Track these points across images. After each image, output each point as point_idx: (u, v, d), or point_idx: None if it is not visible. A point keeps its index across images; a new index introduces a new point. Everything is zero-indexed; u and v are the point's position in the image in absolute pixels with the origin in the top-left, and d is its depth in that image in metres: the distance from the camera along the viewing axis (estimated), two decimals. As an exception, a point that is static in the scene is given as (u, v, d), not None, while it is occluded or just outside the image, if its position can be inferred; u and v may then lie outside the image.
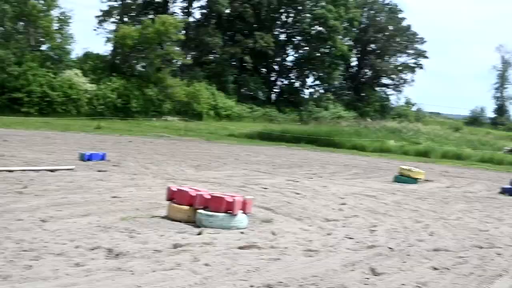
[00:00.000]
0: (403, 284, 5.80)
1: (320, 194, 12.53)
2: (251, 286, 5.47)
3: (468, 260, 6.97)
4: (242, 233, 7.76)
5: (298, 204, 10.81)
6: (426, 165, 24.04)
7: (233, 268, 5.96)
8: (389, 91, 63.66)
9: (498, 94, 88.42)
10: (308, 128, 39.79)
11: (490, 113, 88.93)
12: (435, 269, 6.46)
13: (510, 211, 11.72)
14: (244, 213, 8.25)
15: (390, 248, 7.37)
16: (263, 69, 56.91)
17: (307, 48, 55.96)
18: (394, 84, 63.07)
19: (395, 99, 65.45)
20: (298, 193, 12.37)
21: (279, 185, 13.60)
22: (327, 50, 54.51)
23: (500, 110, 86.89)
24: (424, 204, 12.08)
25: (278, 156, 23.71)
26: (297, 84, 58.89)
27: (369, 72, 62.62)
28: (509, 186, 15.22)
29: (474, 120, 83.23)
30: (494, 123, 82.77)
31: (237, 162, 19.04)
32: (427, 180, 17.08)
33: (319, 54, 54.99)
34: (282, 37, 56.64)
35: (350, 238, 7.91)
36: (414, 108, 66.61)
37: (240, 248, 6.87)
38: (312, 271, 6.11)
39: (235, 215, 8.02)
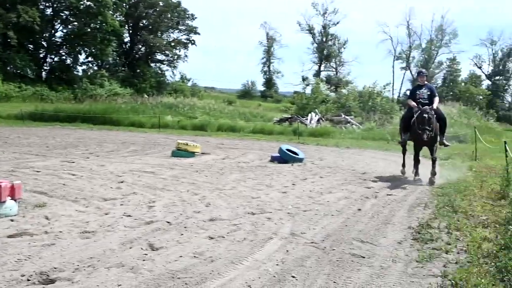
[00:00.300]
0: (180, 256, 5.90)
1: (97, 174, 12.15)
2: (22, 275, 5.12)
3: (241, 227, 7.35)
4: (12, 220, 7.26)
5: (74, 186, 10.36)
6: (203, 139, 24.89)
7: (1, 259, 5.51)
8: (164, 67, 64.03)
9: (266, 69, 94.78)
10: (84, 106, 38.32)
11: (260, 87, 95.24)
12: (211, 238, 6.69)
13: (279, 178, 12.68)
14: (13, 199, 7.65)
15: (168, 222, 7.44)
16: (30, 46, 52.88)
17: (76, 23, 53.38)
18: (168, 60, 63.59)
19: (171, 75, 66.07)
20: (74, 174, 11.88)
21: (54, 167, 12.90)
22: (98, 26, 52.63)
23: (268, 83, 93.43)
24: (201, 176, 12.45)
25: (51, 136, 22.42)
26: (68, 61, 55.99)
27: (142, 48, 62.13)
28: (277, 155, 16.45)
29: (246, 93, 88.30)
30: (264, 95, 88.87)
31: (6, 146, 17.52)
32: (203, 153, 17.67)
33: (90, 30, 52.86)
34: (49, 11, 53.15)
35: (128, 216, 7.81)
36: (189, 84, 68.10)
37: (10, 236, 6.41)
38: (88, 253, 5.90)
39: (3, 202, 7.41)
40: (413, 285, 5.29)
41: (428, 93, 12.70)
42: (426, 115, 11.77)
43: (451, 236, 7.14)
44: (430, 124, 11.80)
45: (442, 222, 7.93)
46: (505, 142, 11.25)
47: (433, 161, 12.40)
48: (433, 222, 7.93)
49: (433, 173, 12.22)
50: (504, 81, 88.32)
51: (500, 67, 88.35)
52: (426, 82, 13.06)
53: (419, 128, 11.90)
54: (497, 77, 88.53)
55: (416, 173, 12.83)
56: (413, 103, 12.58)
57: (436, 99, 12.65)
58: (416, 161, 12.92)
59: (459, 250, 6.50)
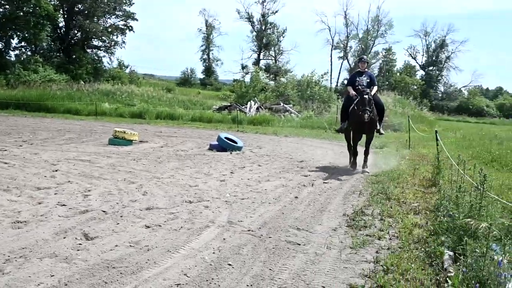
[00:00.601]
0: (116, 246, 5.83)
1: (30, 162, 11.79)
2: None
3: (178, 215, 7.33)
4: None
5: (6, 174, 10.02)
6: (141, 127, 24.55)
7: None
8: (101, 53, 62.38)
9: (205, 57, 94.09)
10: (17, 92, 36.87)
11: (199, 74, 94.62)
12: (148, 227, 6.64)
13: (217, 166, 12.68)
14: None
15: (103, 211, 7.32)
16: (-41, 29, 50.33)
17: (8, 6, 51.14)
18: (105, 46, 61.97)
19: (108, 62, 64.46)
20: (6, 163, 11.50)
21: (-18, 155, 12.39)
22: (31, 10, 50.64)
23: (208, 71, 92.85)
24: (139, 165, 12.30)
25: (-20, 123, 21.49)
26: (0, 45, 53.61)
27: (78, 34, 60.30)
28: (216, 143, 16.44)
29: (185, 81, 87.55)
30: (203, 83, 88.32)
31: None
32: (141, 141, 17.44)
33: (22, 14, 50.79)
34: (-24, -7, 50.68)
35: (63, 205, 7.63)
36: (127, 71, 66.71)
37: None
38: (20, 243, 5.74)
39: None
40: (347, 271, 5.43)
41: (368, 80, 12.48)
42: (366, 96, 11.71)
43: (384, 222, 7.37)
44: (370, 105, 11.81)
45: (375, 209, 8.17)
46: (436, 132, 11.69)
47: (366, 154, 12.64)
48: (367, 209, 8.16)
49: (366, 166, 12.46)
50: (437, 72, 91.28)
51: (434, 58, 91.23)
52: (366, 70, 12.85)
53: (359, 109, 11.79)
54: (431, 68, 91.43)
55: (354, 165, 12.77)
56: (352, 92, 12.38)
57: (375, 88, 12.46)
58: (354, 153, 12.82)
59: (391, 236, 6.72)
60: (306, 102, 39.28)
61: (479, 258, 4.84)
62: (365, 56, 13.99)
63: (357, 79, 12.60)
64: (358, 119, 11.92)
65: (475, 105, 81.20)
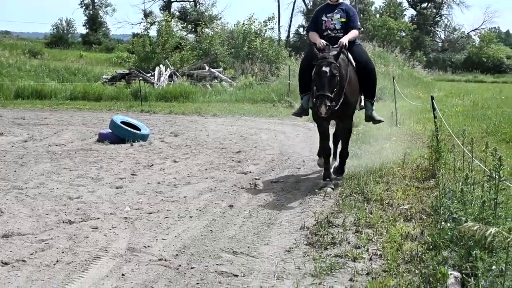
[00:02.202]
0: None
1: None
2: None
3: (52, 243, 7.21)
4: None
5: None
6: (-8, 112, 24.03)
7: None
8: None
9: (88, 0, 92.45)
10: None
11: (80, 28, 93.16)
12: (5, 264, 6.52)
13: (111, 166, 12.59)
14: None
15: None
16: None
17: None
18: None
19: None
20: None
21: None
22: None
23: (93, 23, 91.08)
24: (-11, 170, 12.06)
25: None
26: None
27: None
28: (109, 131, 16.26)
29: (59, 39, 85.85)
30: (86, 41, 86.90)
31: None
32: (-7, 134, 17.11)
33: None
34: None
35: None
36: (-33, 26, 65.05)
37: None
38: None
39: None
40: (308, 310, 5.51)
41: (343, 19, 10.75)
42: (326, 69, 9.61)
43: (360, 236, 7.49)
44: (333, 84, 9.66)
45: (348, 217, 8.30)
46: (432, 98, 11.89)
47: (341, 157, 11.37)
48: (335, 218, 8.28)
49: (340, 172, 11.34)
50: (434, 10, 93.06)
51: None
52: (340, 0, 11.07)
53: (314, 95, 9.88)
54: (424, 4, 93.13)
55: (326, 173, 10.70)
56: (319, 40, 10.53)
57: (353, 33, 10.68)
58: (324, 151, 10.96)
59: (371, 255, 6.85)
60: (244, 63, 39.43)
61: (496, 279, 4.98)
62: None
63: (324, 18, 10.84)
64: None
65: (491, 56, 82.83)
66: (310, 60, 10.41)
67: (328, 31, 10.75)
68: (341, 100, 9.97)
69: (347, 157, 11.42)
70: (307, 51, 11.79)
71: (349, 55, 10.55)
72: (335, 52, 9.87)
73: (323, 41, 10.46)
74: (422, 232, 7.42)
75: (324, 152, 10.93)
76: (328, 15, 10.81)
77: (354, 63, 10.60)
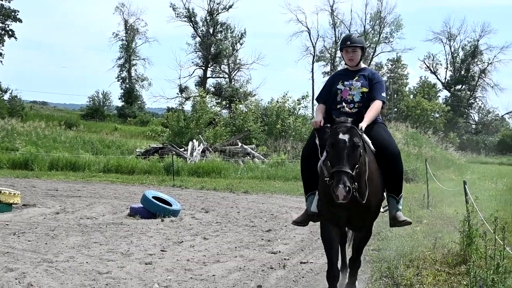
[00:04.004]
0: None
1: None
2: None
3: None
4: None
5: None
6: (27, 182, 24.29)
7: None
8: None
9: (124, 74, 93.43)
10: None
11: (116, 101, 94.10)
12: None
13: (141, 241, 12.59)
14: None
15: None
16: None
17: None
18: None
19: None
20: None
21: None
22: None
23: (129, 96, 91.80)
24: (21, 242, 12.14)
25: None
26: None
27: None
28: (140, 205, 16.34)
29: (95, 111, 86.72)
30: (122, 115, 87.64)
31: None
32: (26, 205, 17.24)
33: None
34: None
35: None
36: (6, 97, 66.14)
37: None
38: None
39: None
40: None
41: (365, 89, 8.31)
42: (344, 136, 7.07)
43: (389, 322, 7.43)
44: (354, 158, 7.02)
45: (377, 302, 8.23)
46: (464, 183, 11.86)
47: (352, 268, 8.52)
48: (364, 302, 8.22)
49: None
50: (468, 92, 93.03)
51: (462, 72, 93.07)
52: (363, 65, 8.68)
53: (328, 173, 7.14)
54: (459, 86, 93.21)
55: None
56: (319, 115, 8.24)
57: (377, 106, 8.10)
58: (331, 272, 7.93)
59: None
60: (276, 140, 39.57)
61: None
62: (355, 33, 9.94)
63: (340, 86, 8.42)
64: (332, 198, 6.99)
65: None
66: (312, 146, 8.14)
67: (344, 103, 8.23)
68: (366, 191, 7.30)
69: (359, 267, 8.66)
70: (311, 133, 8.66)
71: (367, 139, 7.78)
72: (355, 117, 7.38)
73: (322, 120, 7.92)
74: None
75: (328, 276, 7.94)
76: (346, 82, 8.34)
77: (373, 149, 7.88)
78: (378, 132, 8.10)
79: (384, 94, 8.26)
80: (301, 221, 8.45)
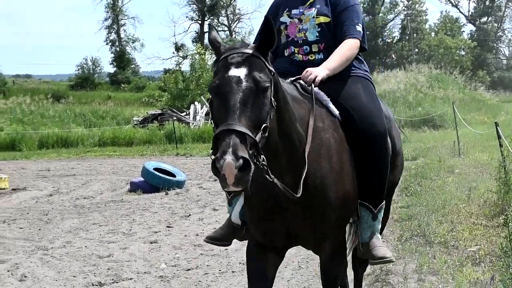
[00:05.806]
0: None
1: None
2: None
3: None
4: None
5: None
6: (15, 164, 24.36)
7: None
8: None
9: (113, 36, 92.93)
10: None
11: (107, 67, 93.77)
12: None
13: (144, 218, 12.59)
14: None
15: None
16: None
17: None
18: None
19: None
20: None
21: None
22: None
23: (120, 60, 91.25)
24: (13, 229, 12.15)
25: None
26: None
27: None
28: (141, 179, 16.32)
29: (85, 80, 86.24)
30: (114, 81, 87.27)
31: None
32: (15, 189, 17.28)
33: None
34: None
35: None
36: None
37: None
38: None
39: None
40: None
41: (323, 18, 5.48)
42: (237, 71, 4.07)
43: (423, 285, 7.38)
44: (258, 110, 4.03)
45: (409, 264, 8.18)
46: (496, 124, 11.76)
47: None
48: (395, 265, 8.15)
49: None
50: (496, 24, 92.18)
51: (487, 2, 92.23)
52: None
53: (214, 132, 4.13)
54: (484, 19, 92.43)
55: None
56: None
57: (348, 43, 5.37)
58: None
59: (437, 306, 6.73)
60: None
61: None
62: None
63: (284, 18, 5.65)
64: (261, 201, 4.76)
65: None
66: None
67: (292, 47, 5.59)
68: (301, 178, 4.51)
69: None
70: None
71: (323, 96, 5.15)
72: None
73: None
74: (493, 278, 7.28)
75: None
76: (293, 11, 5.59)
77: (337, 113, 5.15)
78: (352, 91, 5.36)
79: (360, 28, 5.44)
80: (220, 238, 5.57)
